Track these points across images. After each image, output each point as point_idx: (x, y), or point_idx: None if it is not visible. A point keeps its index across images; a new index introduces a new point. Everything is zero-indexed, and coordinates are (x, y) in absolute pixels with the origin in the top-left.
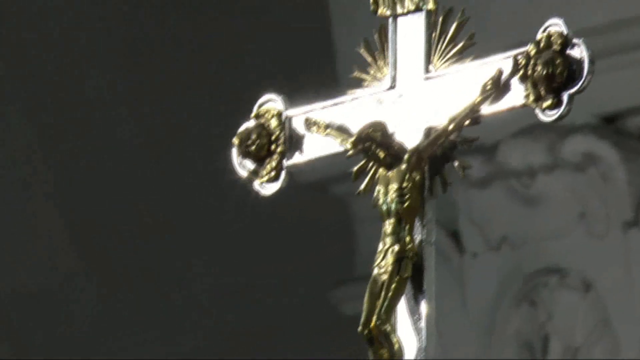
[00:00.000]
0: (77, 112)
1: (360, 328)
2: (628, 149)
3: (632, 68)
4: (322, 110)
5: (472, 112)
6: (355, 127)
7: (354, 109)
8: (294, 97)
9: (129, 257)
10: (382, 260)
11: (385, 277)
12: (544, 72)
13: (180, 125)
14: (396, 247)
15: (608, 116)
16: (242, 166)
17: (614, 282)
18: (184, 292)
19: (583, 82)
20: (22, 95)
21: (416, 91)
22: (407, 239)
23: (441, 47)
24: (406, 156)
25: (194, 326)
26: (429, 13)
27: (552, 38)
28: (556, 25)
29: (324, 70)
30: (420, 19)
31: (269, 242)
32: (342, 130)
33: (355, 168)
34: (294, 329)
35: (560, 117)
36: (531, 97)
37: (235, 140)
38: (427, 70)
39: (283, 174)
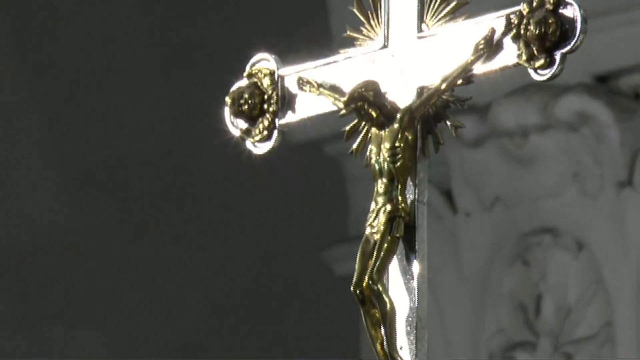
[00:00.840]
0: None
1: (352, 287)
2: (621, 109)
3: (625, 27)
4: (315, 70)
5: (465, 72)
6: (348, 87)
7: (347, 68)
8: (286, 56)
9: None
10: (374, 220)
11: (377, 236)
12: (537, 31)
13: (175, 81)
14: (388, 207)
15: (601, 75)
16: (235, 125)
17: (607, 241)
18: (180, 246)
19: (576, 42)
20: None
21: (409, 50)
22: (400, 198)
23: (434, 6)
24: (399, 115)
25: (189, 281)
26: None
27: None
28: None
29: (317, 29)
30: None
31: (261, 201)
32: (334, 89)
33: (348, 127)
34: (287, 288)
35: (553, 77)
36: (524, 57)
37: (228, 100)
38: (420, 30)
39: (276, 133)
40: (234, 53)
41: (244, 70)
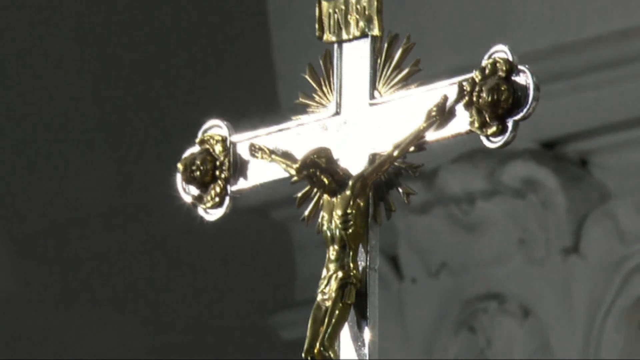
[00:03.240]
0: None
1: (303, 354)
2: (568, 175)
3: (572, 94)
4: (267, 136)
5: (417, 139)
6: (300, 153)
7: (299, 135)
8: (239, 123)
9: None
10: (326, 287)
11: (329, 303)
12: (489, 99)
13: (127, 146)
14: (340, 274)
15: (548, 142)
16: (187, 192)
17: (553, 307)
18: (125, 310)
19: (528, 109)
20: None
21: (361, 117)
22: (351, 265)
23: (386, 73)
24: (351, 182)
25: (135, 342)
26: (374, 39)
27: (498, 64)
28: (502, 52)
29: (266, 95)
30: (365, 45)
31: (210, 265)
32: (286, 156)
33: (300, 194)
34: (234, 352)
35: (506, 144)
36: (476, 124)
37: (180, 166)
38: (372, 96)
39: (227, 200)
40: (185, 120)
41: (195, 137)
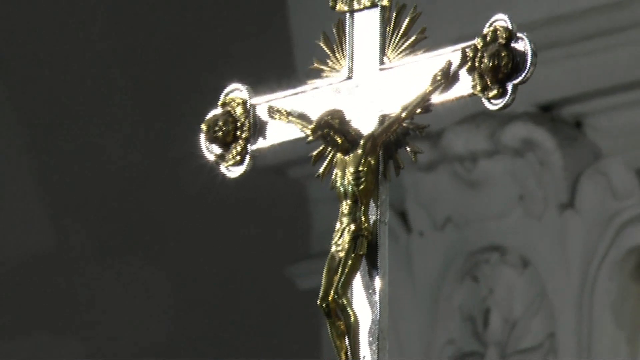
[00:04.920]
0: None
1: (319, 301)
2: (563, 136)
3: (567, 61)
4: (284, 99)
5: (424, 101)
6: (314, 115)
7: (314, 98)
8: (258, 86)
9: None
10: (339, 239)
11: (342, 254)
12: (490, 64)
13: (155, 110)
14: (352, 226)
15: (545, 105)
16: (210, 151)
17: (550, 259)
18: (155, 262)
19: (526, 73)
20: None
21: (371, 81)
22: (363, 218)
23: (395, 41)
24: (362, 142)
25: (156, 297)
26: (383, 9)
27: (498, 32)
28: (502, 20)
29: (286, 62)
30: (375, 14)
31: (231, 220)
32: (302, 117)
33: (315, 153)
34: (253, 302)
35: (505, 106)
36: (478, 87)
37: (204, 127)
38: (381, 62)
39: (247, 158)
40: (208, 84)
41: (218, 100)
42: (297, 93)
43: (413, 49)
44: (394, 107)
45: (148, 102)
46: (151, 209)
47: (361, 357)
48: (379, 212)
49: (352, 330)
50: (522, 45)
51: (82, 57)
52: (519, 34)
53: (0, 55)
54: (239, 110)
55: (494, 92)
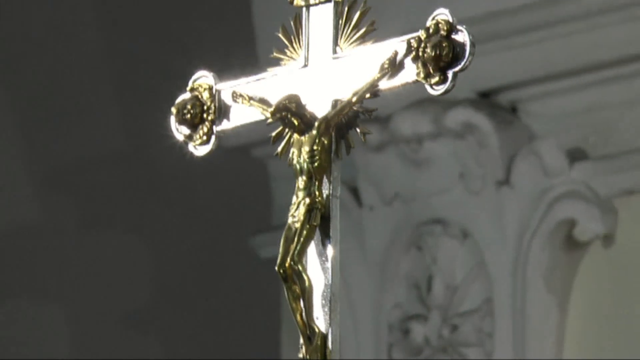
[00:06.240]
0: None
1: (277, 267)
2: (500, 120)
3: (503, 52)
4: (247, 85)
5: (372, 87)
6: (274, 99)
7: (273, 84)
8: (223, 74)
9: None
10: (295, 211)
11: (298, 225)
12: (433, 54)
13: (128, 95)
14: (307, 200)
15: (483, 92)
16: (179, 131)
17: (487, 231)
18: (130, 234)
19: (465, 62)
20: None
21: (325, 69)
22: (317, 193)
23: (347, 32)
24: (316, 124)
25: (135, 265)
26: (336, 4)
27: (440, 25)
28: (443, 14)
29: (248, 51)
30: (329, 9)
31: (199, 195)
32: (263, 101)
33: (274, 133)
34: (220, 270)
35: (446, 92)
36: (422, 75)
37: (174, 110)
38: (334, 52)
39: (213, 138)
40: (177, 71)
41: (186, 85)
42: (258, 80)
43: (363, 40)
44: (345, 93)
45: (124, 87)
46: (128, 184)
47: (315, 318)
48: (331, 187)
49: (306, 293)
50: (462, 37)
51: (69, 51)
52: (458, 27)
53: None
54: (205, 95)
55: (436, 79)
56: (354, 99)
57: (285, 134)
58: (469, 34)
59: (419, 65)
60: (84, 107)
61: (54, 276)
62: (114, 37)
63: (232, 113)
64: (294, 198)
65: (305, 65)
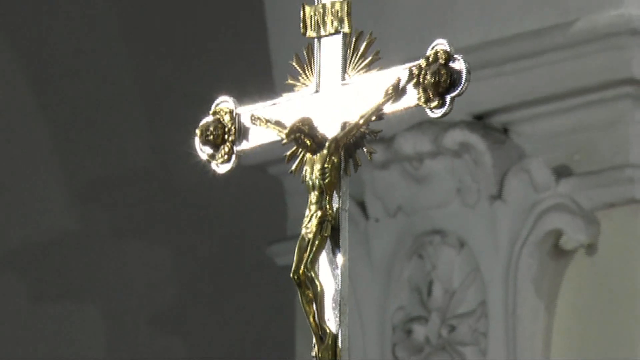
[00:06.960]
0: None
1: (291, 274)
2: (493, 140)
3: (496, 78)
4: (264, 109)
5: (378, 111)
6: (288, 122)
7: (288, 108)
8: (242, 99)
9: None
10: (308, 223)
11: (310, 235)
12: (432, 80)
13: (156, 118)
14: (319, 213)
15: (478, 114)
16: (203, 151)
17: (482, 240)
18: (159, 243)
19: (462, 88)
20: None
21: (335, 94)
22: (328, 206)
23: (354, 61)
24: (327, 144)
25: (159, 272)
26: (345, 35)
27: (439, 54)
28: (442, 44)
29: (265, 78)
30: (338, 40)
31: (220, 209)
32: (278, 124)
33: (289, 153)
34: (240, 277)
35: (445, 114)
36: (422, 99)
37: (198, 132)
38: (343, 79)
39: (234, 157)
40: (201, 97)
41: (209, 109)
42: (274, 104)
43: (369, 68)
44: (353, 116)
45: (153, 111)
46: (156, 197)
47: (326, 320)
48: (341, 202)
49: (318, 297)
50: (459, 65)
51: (104, 77)
52: (456, 56)
53: (25, 50)
54: (226, 118)
55: (435, 103)
56: (361, 122)
57: (299, 153)
58: (465, 62)
59: (420, 90)
60: (117, 128)
61: (89, 280)
62: (144, 65)
63: (251, 134)
64: (307, 211)
65: (317, 91)
